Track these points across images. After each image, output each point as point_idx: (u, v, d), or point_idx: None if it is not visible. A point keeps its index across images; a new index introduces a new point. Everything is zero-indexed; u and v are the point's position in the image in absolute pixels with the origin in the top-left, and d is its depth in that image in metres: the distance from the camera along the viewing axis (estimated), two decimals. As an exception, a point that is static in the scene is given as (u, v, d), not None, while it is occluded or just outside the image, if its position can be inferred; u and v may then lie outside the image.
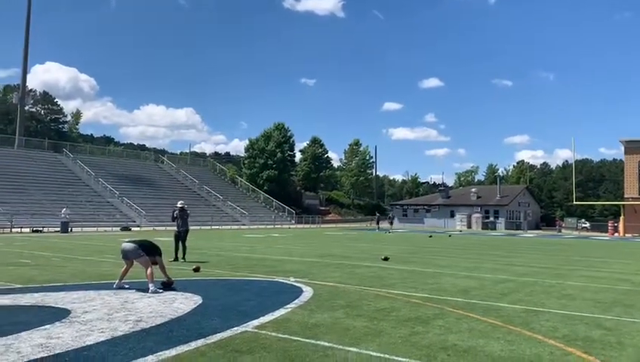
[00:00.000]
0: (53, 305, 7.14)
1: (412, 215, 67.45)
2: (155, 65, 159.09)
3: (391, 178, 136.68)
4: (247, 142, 73.74)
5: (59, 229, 30.35)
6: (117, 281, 8.73)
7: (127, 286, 8.75)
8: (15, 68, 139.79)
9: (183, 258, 13.74)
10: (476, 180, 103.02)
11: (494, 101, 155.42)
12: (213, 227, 41.31)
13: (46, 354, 4.76)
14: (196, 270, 11.42)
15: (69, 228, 30.74)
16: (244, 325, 6.07)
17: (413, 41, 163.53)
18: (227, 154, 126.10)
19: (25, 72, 53.69)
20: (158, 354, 4.83)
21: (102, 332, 5.66)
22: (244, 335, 5.63)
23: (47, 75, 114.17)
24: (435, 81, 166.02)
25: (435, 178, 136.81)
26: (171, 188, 55.14)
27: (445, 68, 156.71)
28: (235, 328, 5.92)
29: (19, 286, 9.06)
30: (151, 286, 8.35)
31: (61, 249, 17.78)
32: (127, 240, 9.32)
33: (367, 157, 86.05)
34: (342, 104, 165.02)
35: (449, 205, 65.14)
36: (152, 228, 37.67)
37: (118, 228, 35.62)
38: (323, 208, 74.76)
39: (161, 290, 8.42)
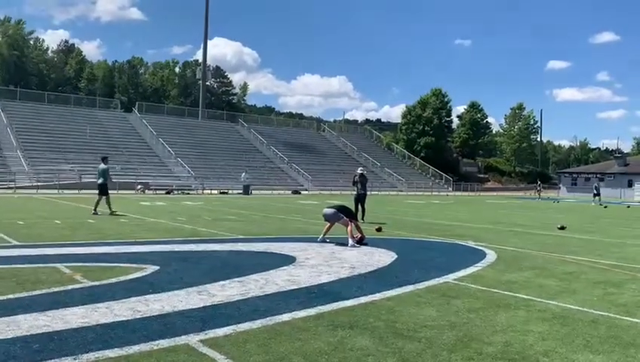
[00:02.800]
0: (279, 252, 8.74)
1: (582, 184, 62.41)
2: (310, 35, 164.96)
3: (555, 144, 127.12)
4: (403, 108, 74.15)
5: (241, 191, 34.20)
6: (321, 236, 10.18)
7: (327, 240, 10.16)
8: (189, 45, 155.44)
9: (362, 219, 15.05)
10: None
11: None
12: (372, 192, 42.80)
13: (296, 287, 6.14)
14: (378, 230, 12.61)
15: (250, 191, 34.46)
16: (444, 277, 6.96)
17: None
18: (378, 120, 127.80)
19: (205, 51, 59.74)
20: (383, 292, 5.94)
21: (329, 274, 6.97)
22: (447, 285, 6.53)
23: (215, 50, 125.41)
24: (609, 35, 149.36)
25: (608, 143, 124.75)
26: (332, 154, 58.03)
27: (622, 20, 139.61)
28: (437, 279, 6.84)
29: (240, 236, 11.02)
30: (350, 241, 9.66)
31: (253, 208, 20.39)
32: (327, 206, 10.72)
33: (532, 122, 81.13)
34: (500, 65, 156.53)
35: (626, 173, 59.15)
36: (318, 191, 40.41)
37: (290, 192, 38.91)
38: (482, 175, 72.69)
39: (358, 245, 9.68)
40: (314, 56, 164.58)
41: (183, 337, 4.13)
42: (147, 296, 5.40)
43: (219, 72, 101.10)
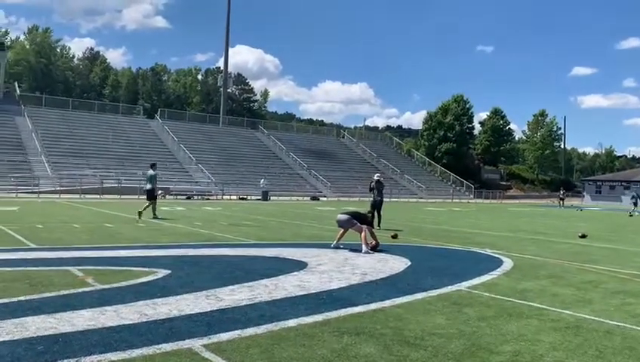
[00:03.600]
0: (290, 258, 8.70)
1: (607, 192, 61.30)
2: (332, 42, 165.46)
3: (580, 151, 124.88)
4: (424, 114, 73.70)
5: (260, 197, 34.32)
6: (334, 242, 10.13)
7: (341, 246, 10.10)
8: (211, 52, 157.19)
9: (379, 225, 14.94)
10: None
11: None
12: (392, 199, 42.59)
13: (305, 293, 6.09)
14: (394, 237, 12.49)
15: (269, 197, 34.55)
16: (457, 285, 6.84)
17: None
18: (399, 127, 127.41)
19: (226, 59, 60.37)
20: (392, 299, 5.86)
21: (339, 280, 6.91)
22: (459, 293, 6.41)
23: (237, 57, 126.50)
24: (635, 41, 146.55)
25: (635, 151, 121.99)
26: (352, 161, 57.90)
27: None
28: (450, 286, 6.72)
29: (254, 241, 11.03)
30: (364, 248, 9.58)
31: (270, 214, 20.43)
32: (341, 212, 10.66)
33: (555, 129, 79.72)
34: (523, 71, 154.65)
35: (654, 182, 57.81)
36: (336, 198, 40.34)
37: (308, 198, 38.92)
38: (503, 183, 71.73)
39: (371, 252, 9.60)
40: (335, 63, 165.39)
41: (187, 341, 4.12)
42: (155, 300, 5.41)
43: (240, 79, 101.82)
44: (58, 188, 30.76)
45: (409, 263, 8.59)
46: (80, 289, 5.79)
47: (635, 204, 36.23)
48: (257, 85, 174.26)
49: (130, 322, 4.59)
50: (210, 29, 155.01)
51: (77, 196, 29.28)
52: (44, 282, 6.08)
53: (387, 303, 5.69)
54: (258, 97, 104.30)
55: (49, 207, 20.27)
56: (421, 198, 48.64)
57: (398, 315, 5.19)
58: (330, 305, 5.49)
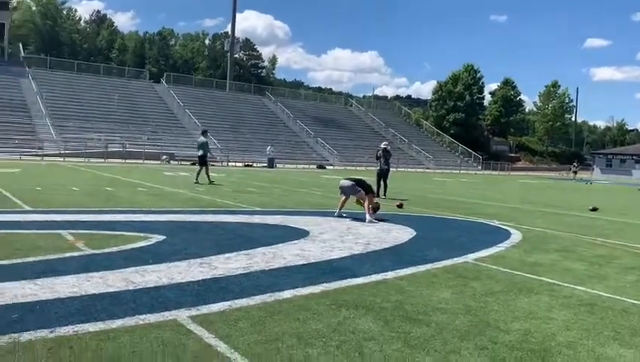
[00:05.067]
0: (293, 226, 8.42)
1: (618, 166, 60.50)
2: (343, 9, 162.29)
3: (591, 124, 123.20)
4: (434, 84, 72.55)
5: (266, 165, 34.01)
6: (337, 211, 9.82)
7: (344, 215, 9.80)
8: (220, 17, 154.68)
9: (384, 195, 14.63)
10: None
11: None
12: (399, 169, 42.16)
13: (304, 262, 5.81)
14: (400, 206, 12.18)
15: (274, 164, 34.24)
16: (464, 257, 6.53)
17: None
18: (409, 97, 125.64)
19: (234, 24, 59.33)
20: (396, 271, 5.56)
21: (341, 250, 6.62)
22: (465, 265, 6.11)
23: (246, 23, 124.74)
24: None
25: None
26: (359, 130, 57.27)
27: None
28: (456, 258, 6.42)
29: (258, 208, 10.75)
30: (367, 217, 9.27)
31: (275, 181, 20.14)
32: (344, 178, 10.31)
33: (567, 100, 78.29)
34: (536, 42, 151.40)
35: (665, 156, 56.95)
36: (343, 167, 39.96)
37: (315, 166, 38.58)
38: (512, 155, 70.97)
39: (375, 221, 9.29)
40: (346, 31, 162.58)
41: (173, 312, 3.85)
42: (145, 267, 5.14)
43: (248, 45, 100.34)
44: (63, 152, 30.57)
45: (414, 233, 8.29)
46: (67, 254, 5.54)
47: None
48: (266, 52, 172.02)
49: (116, 289, 4.33)
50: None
51: (81, 160, 29.11)
52: (29, 246, 5.83)
53: (390, 274, 5.40)
54: (266, 64, 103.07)
55: (51, 170, 20.08)
56: (428, 168, 48.20)
57: (401, 288, 4.90)
58: (330, 275, 5.21)
